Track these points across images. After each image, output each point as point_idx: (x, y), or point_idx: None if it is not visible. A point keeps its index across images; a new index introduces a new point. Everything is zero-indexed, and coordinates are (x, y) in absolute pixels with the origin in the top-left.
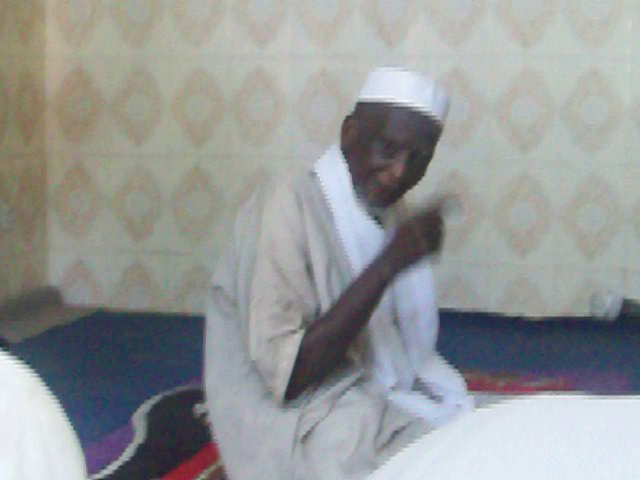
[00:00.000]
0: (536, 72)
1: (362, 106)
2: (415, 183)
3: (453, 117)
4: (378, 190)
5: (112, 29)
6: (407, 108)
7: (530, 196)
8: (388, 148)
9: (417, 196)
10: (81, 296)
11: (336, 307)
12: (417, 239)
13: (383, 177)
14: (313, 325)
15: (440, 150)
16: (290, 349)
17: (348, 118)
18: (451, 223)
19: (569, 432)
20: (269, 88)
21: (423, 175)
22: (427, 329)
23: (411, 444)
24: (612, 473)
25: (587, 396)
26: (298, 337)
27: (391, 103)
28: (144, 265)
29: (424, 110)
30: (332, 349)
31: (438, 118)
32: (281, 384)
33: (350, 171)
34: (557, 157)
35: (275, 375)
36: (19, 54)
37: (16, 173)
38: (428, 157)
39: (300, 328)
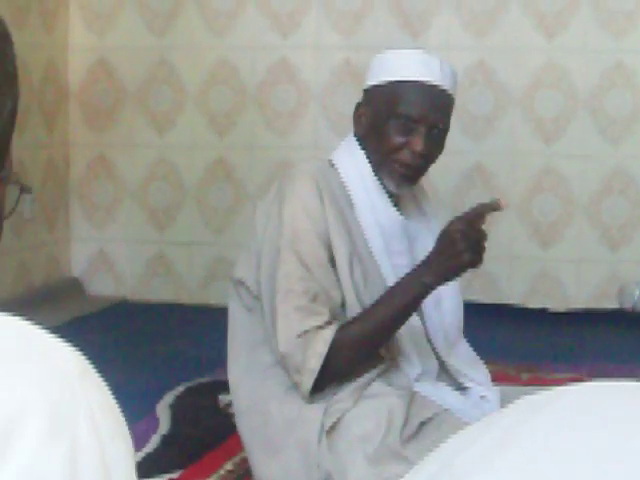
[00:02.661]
0: (560, 64)
1: (371, 91)
2: (436, 157)
3: (477, 109)
4: (402, 169)
5: (135, 19)
6: (417, 83)
7: (554, 188)
8: (405, 125)
9: (441, 187)
10: (104, 286)
11: (372, 309)
12: (460, 252)
13: (405, 155)
14: (346, 324)
15: (464, 142)
16: (320, 347)
17: (359, 106)
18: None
19: (628, 417)
20: (293, 79)
21: (442, 149)
22: (452, 314)
23: (458, 431)
24: None
25: (627, 382)
26: (329, 334)
27: (401, 81)
28: (167, 255)
29: (433, 82)
30: (362, 350)
31: (449, 89)
32: (307, 381)
33: (369, 158)
34: (581, 149)
35: (302, 371)
36: (43, 44)
37: (39, 163)
38: (445, 129)
39: (328, 321)
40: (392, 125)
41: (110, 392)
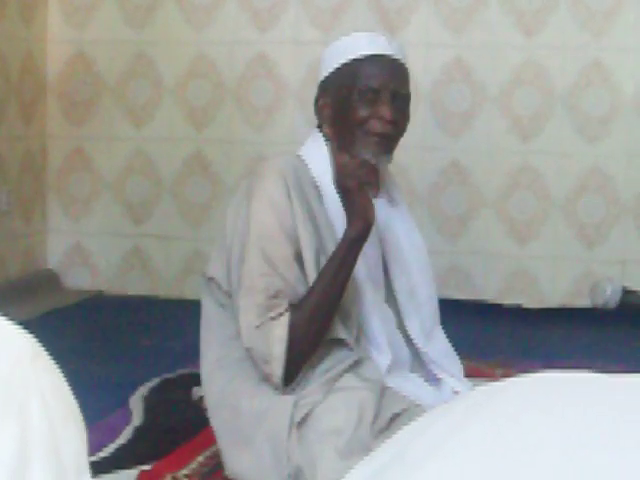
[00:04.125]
0: (538, 62)
1: (326, 81)
2: (405, 126)
3: (454, 106)
4: (375, 138)
5: (114, 13)
6: (370, 57)
7: (530, 186)
8: (368, 97)
9: (418, 184)
10: (80, 279)
11: (316, 281)
12: (349, 189)
13: (374, 125)
14: (297, 304)
15: (441, 139)
16: (279, 331)
17: (318, 99)
18: (451, 210)
19: (577, 406)
20: (270, 74)
21: (408, 117)
22: (426, 303)
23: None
24: (622, 449)
25: (592, 373)
26: (284, 319)
27: (354, 60)
28: (143, 249)
29: (386, 54)
30: (319, 321)
31: (402, 59)
32: (277, 368)
33: (339, 146)
34: (558, 147)
35: (269, 360)
36: (21, 36)
37: (16, 155)
38: (407, 95)
39: (286, 311)
40: (355, 101)
41: (84, 383)
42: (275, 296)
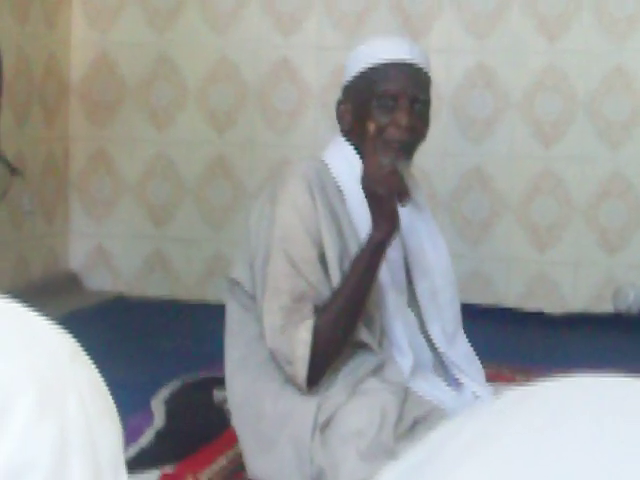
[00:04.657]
0: (561, 67)
1: (348, 86)
2: (424, 133)
3: (476, 111)
4: (393, 147)
5: (138, 16)
6: (390, 62)
7: (552, 191)
8: (386, 103)
9: (440, 189)
10: (101, 281)
11: (341, 284)
12: (379, 195)
13: (393, 132)
14: (322, 307)
15: (463, 144)
16: (304, 334)
17: (339, 103)
18: (473, 216)
19: (615, 412)
20: (293, 78)
21: (428, 122)
22: (449, 307)
23: (442, 425)
24: None
25: (624, 377)
26: (309, 322)
27: (374, 65)
28: (165, 252)
29: (407, 60)
30: (344, 325)
31: (423, 66)
32: (301, 369)
33: (360, 151)
34: (580, 153)
35: (293, 362)
36: (45, 39)
37: (39, 157)
38: (426, 102)
39: (310, 314)
40: (374, 108)
41: (108, 385)
42: (299, 298)
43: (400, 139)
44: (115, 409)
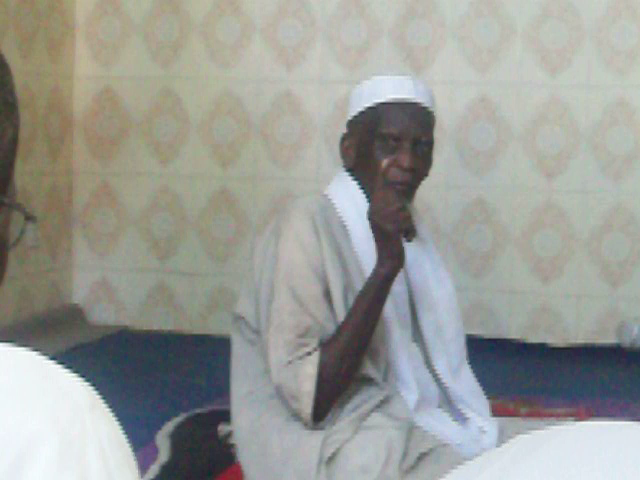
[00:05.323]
0: (563, 100)
1: (352, 122)
2: (426, 172)
3: (479, 144)
4: (394, 187)
5: (141, 49)
6: (394, 102)
7: (555, 224)
8: (388, 144)
9: (442, 221)
10: (105, 314)
11: (346, 318)
12: (390, 232)
13: (394, 173)
14: (327, 342)
15: (465, 176)
16: (310, 369)
17: (343, 139)
18: (476, 248)
19: (623, 458)
20: (296, 111)
21: (431, 163)
22: (454, 341)
23: (456, 465)
24: None
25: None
26: (315, 356)
27: (378, 104)
28: (168, 285)
29: (411, 99)
30: (349, 360)
31: (426, 105)
32: (307, 405)
33: (363, 187)
34: (582, 185)
35: (299, 397)
36: (48, 73)
37: (43, 191)
38: (429, 143)
39: (315, 350)
40: (377, 147)
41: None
42: (304, 334)
43: (402, 180)
44: (134, 461)
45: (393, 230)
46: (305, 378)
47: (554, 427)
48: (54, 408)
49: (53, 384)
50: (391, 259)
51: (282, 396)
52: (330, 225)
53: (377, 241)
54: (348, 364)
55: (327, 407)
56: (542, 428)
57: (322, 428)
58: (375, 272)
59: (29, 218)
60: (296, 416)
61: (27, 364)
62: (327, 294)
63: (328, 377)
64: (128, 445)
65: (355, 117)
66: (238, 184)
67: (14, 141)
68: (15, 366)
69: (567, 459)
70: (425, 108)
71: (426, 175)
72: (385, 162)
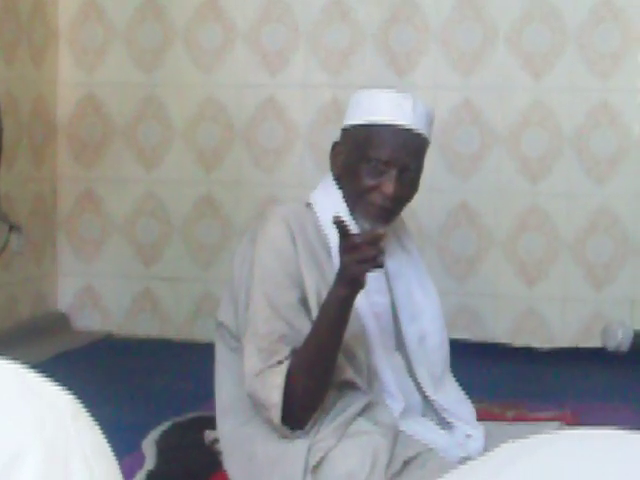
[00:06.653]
0: (546, 103)
1: (346, 131)
2: (410, 197)
3: (463, 148)
4: (374, 211)
5: (124, 56)
6: (388, 126)
7: (539, 227)
8: (375, 168)
9: (426, 225)
10: (90, 321)
11: (310, 332)
12: (356, 260)
13: (376, 197)
14: (294, 353)
15: (450, 180)
16: (278, 380)
17: (335, 145)
18: (460, 252)
19: (614, 468)
20: (280, 117)
21: (417, 188)
22: (437, 351)
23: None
24: None
25: (614, 430)
26: (284, 367)
27: (372, 124)
28: (153, 291)
29: (405, 125)
30: (314, 374)
31: (421, 131)
32: (275, 415)
33: (345, 197)
34: (567, 188)
35: (267, 407)
36: (32, 79)
37: (27, 197)
38: (417, 170)
39: (286, 359)
40: (363, 168)
41: (98, 427)
42: (277, 341)
43: (382, 205)
44: (119, 469)
45: (356, 272)
46: (273, 389)
47: (537, 436)
48: (37, 419)
49: (35, 395)
50: (351, 284)
51: (254, 404)
52: (307, 232)
53: (340, 264)
54: (316, 377)
55: (299, 418)
56: (528, 433)
57: (306, 435)
58: (334, 293)
59: (13, 228)
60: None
61: (8, 375)
62: (304, 301)
63: (295, 388)
64: (112, 454)
65: (349, 128)
66: (222, 189)
67: None
68: None
69: (549, 470)
70: (419, 135)
71: (409, 200)
72: (368, 185)
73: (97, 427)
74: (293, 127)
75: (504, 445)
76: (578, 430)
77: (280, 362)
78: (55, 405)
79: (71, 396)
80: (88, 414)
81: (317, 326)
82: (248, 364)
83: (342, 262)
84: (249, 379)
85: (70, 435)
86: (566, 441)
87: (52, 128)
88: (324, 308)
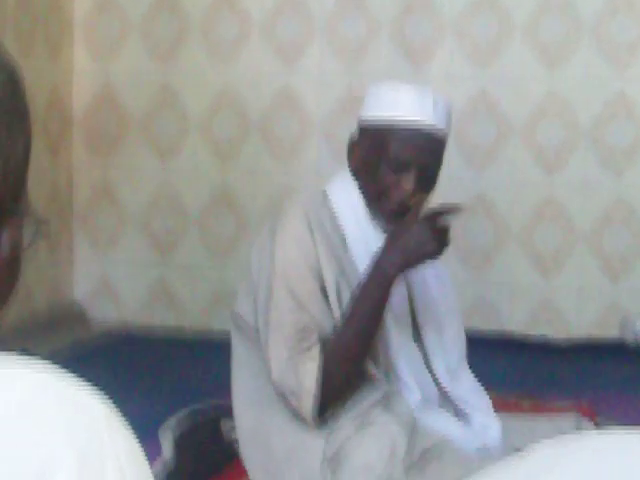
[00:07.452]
0: (562, 94)
1: (364, 126)
2: (429, 194)
3: (478, 139)
4: (393, 208)
5: (140, 47)
6: (409, 126)
7: (555, 218)
8: (395, 168)
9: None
10: (106, 311)
11: (347, 316)
12: (425, 241)
13: (395, 195)
14: (329, 339)
15: (466, 172)
16: (310, 364)
17: (352, 138)
18: (476, 243)
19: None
20: (296, 107)
21: (435, 184)
22: (453, 343)
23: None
24: None
25: None
26: (315, 352)
27: (392, 124)
28: (169, 281)
29: (426, 124)
30: (350, 358)
31: (441, 127)
32: (307, 402)
33: (362, 191)
34: (582, 180)
35: (299, 393)
36: (47, 70)
37: (43, 188)
38: (437, 168)
39: (315, 344)
40: (383, 166)
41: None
42: (303, 330)
43: (403, 204)
44: (150, 473)
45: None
46: (305, 374)
47: (570, 437)
48: (71, 426)
49: (68, 400)
50: (403, 262)
51: (282, 393)
52: (324, 224)
53: (395, 244)
54: (351, 361)
55: (330, 406)
56: (546, 424)
57: (324, 426)
58: (382, 272)
59: (41, 223)
60: (296, 414)
61: (41, 380)
62: (323, 290)
63: (329, 375)
64: (144, 458)
65: (368, 121)
66: (238, 180)
67: (26, 150)
68: (29, 383)
69: (586, 476)
70: (439, 132)
71: (428, 196)
72: (387, 184)
73: (129, 430)
74: (308, 118)
75: (536, 447)
76: (612, 431)
77: (308, 348)
78: (88, 411)
79: (103, 400)
80: (121, 420)
81: (356, 309)
82: (274, 352)
83: (402, 236)
84: (278, 366)
85: (104, 441)
86: (603, 443)
87: (68, 120)
88: (366, 289)
